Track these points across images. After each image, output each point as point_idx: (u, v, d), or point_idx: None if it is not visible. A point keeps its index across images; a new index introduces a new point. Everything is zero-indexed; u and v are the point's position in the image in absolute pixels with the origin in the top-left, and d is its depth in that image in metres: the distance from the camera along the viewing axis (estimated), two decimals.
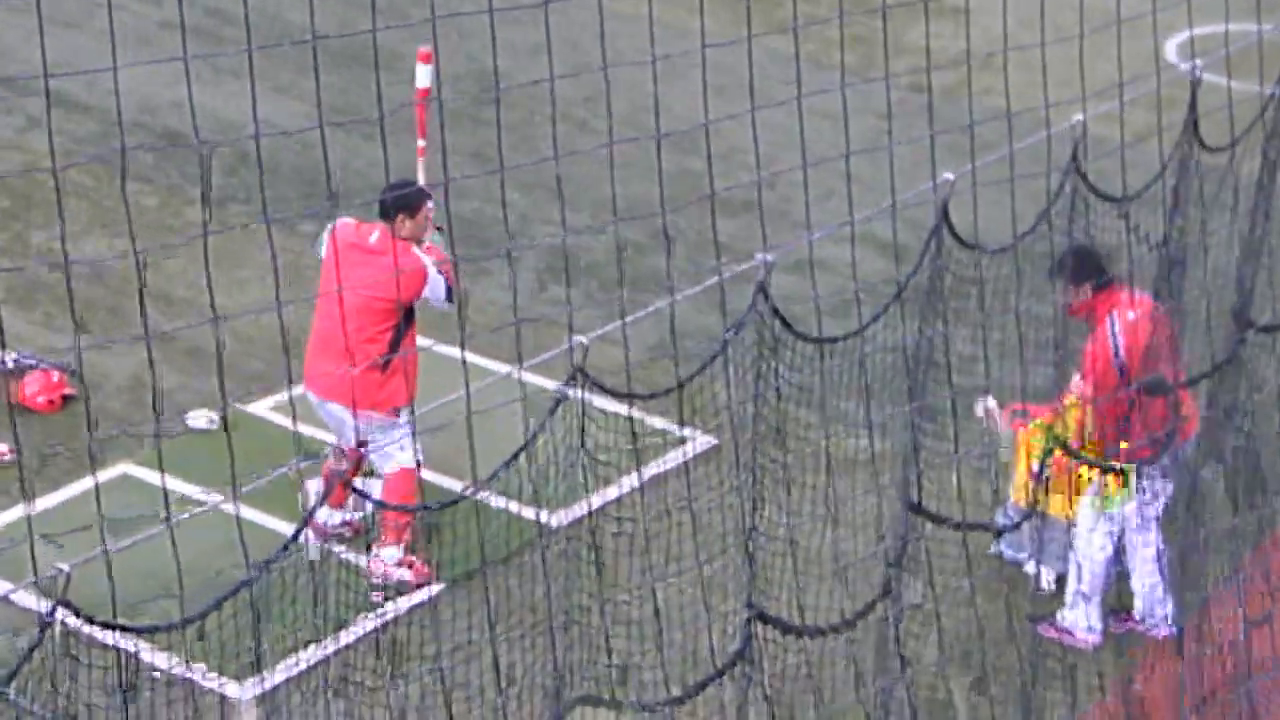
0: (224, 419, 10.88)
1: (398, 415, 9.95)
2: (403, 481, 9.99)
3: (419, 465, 9.94)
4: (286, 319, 12.17)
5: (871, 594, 7.83)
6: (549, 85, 14.21)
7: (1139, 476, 9.60)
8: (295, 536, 6.94)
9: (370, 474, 10.34)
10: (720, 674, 7.29)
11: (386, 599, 9.52)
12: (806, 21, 16.63)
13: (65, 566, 6.40)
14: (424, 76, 10.86)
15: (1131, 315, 9.70)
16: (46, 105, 7.79)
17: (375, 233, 10.09)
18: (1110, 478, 9.54)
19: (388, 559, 10.08)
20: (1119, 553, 10.12)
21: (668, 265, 9.89)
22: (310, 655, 7.99)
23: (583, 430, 7.51)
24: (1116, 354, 9.65)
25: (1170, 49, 15.60)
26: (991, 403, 9.77)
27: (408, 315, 10.08)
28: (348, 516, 10.45)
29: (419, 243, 10.25)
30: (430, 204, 10.28)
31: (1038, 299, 9.97)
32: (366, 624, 8.88)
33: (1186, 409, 9.64)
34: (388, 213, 10.13)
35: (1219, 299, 8.85)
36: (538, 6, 6.39)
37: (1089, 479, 9.71)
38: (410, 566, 10.08)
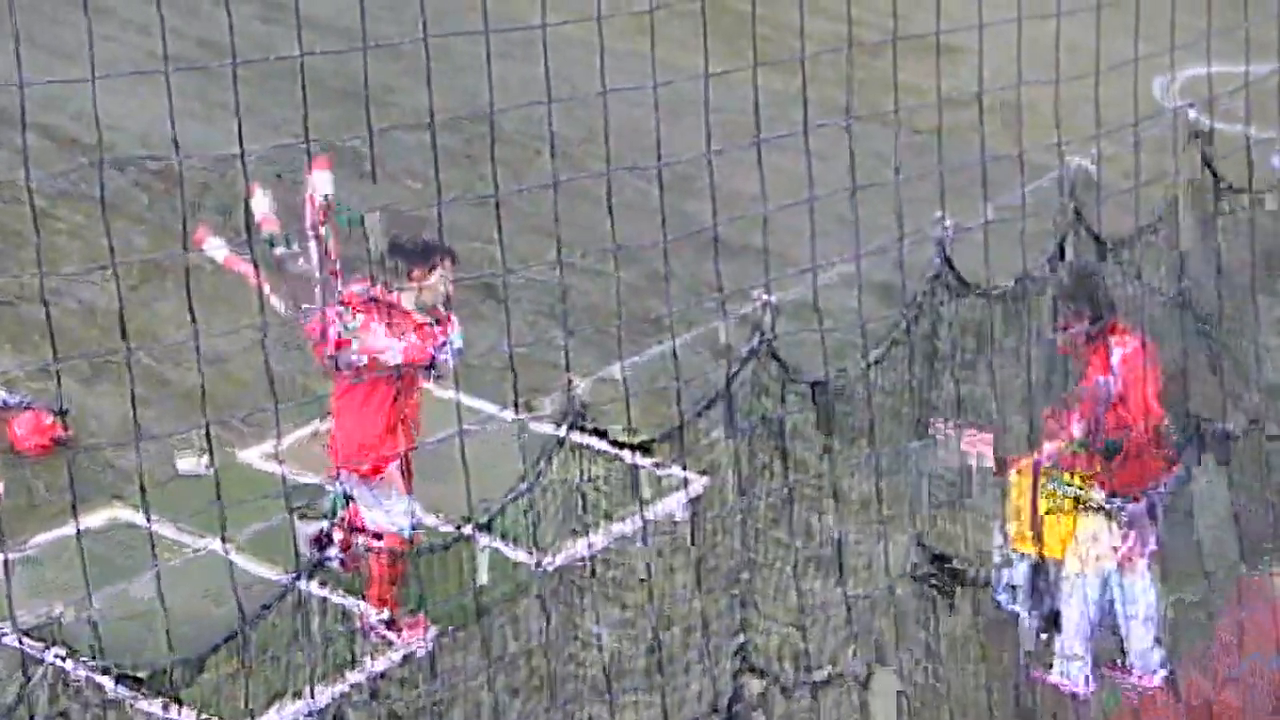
0: (210, 454, 10.84)
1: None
2: (391, 547, 9.93)
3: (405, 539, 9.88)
4: (275, 362, 12.15)
5: (869, 637, 7.80)
6: (541, 124, 14.16)
7: (1123, 520, 9.61)
8: (295, 582, 6.91)
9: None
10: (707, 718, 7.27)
11: (377, 651, 9.50)
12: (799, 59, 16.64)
13: (59, 610, 6.37)
14: (324, 183, 10.37)
15: (1127, 351, 9.71)
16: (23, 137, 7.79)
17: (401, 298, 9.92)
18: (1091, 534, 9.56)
19: (373, 621, 10.01)
20: (1110, 602, 10.11)
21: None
22: (304, 700, 7.95)
23: (581, 472, 7.49)
24: (1109, 389, 9.64)
25: (1158, 89, 15.60)
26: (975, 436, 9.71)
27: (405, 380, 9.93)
28: (343, 557, 10.42)
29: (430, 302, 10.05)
30: (448, 262, 10.04)
31: (1033, 342, 9.96)
32: (360, 668, 8.84)
33: (1169, 453, 9.66)
34: (396, 269, 9.98)
35: (1222, 345, 8.84)
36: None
37: (1075, 530, 9.70)
38: (398, 630, 9.98)
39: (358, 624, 9.92)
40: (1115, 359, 9.65)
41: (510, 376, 11.90)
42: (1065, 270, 9.41)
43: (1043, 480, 9.51)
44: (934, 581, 7.04)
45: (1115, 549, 9.74)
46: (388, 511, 9.87)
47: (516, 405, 7.36)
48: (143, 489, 10.25)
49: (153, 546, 7.62)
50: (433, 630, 9.82)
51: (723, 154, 13.13)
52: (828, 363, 8.09)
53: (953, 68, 14.95)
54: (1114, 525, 9.63)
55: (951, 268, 8.30)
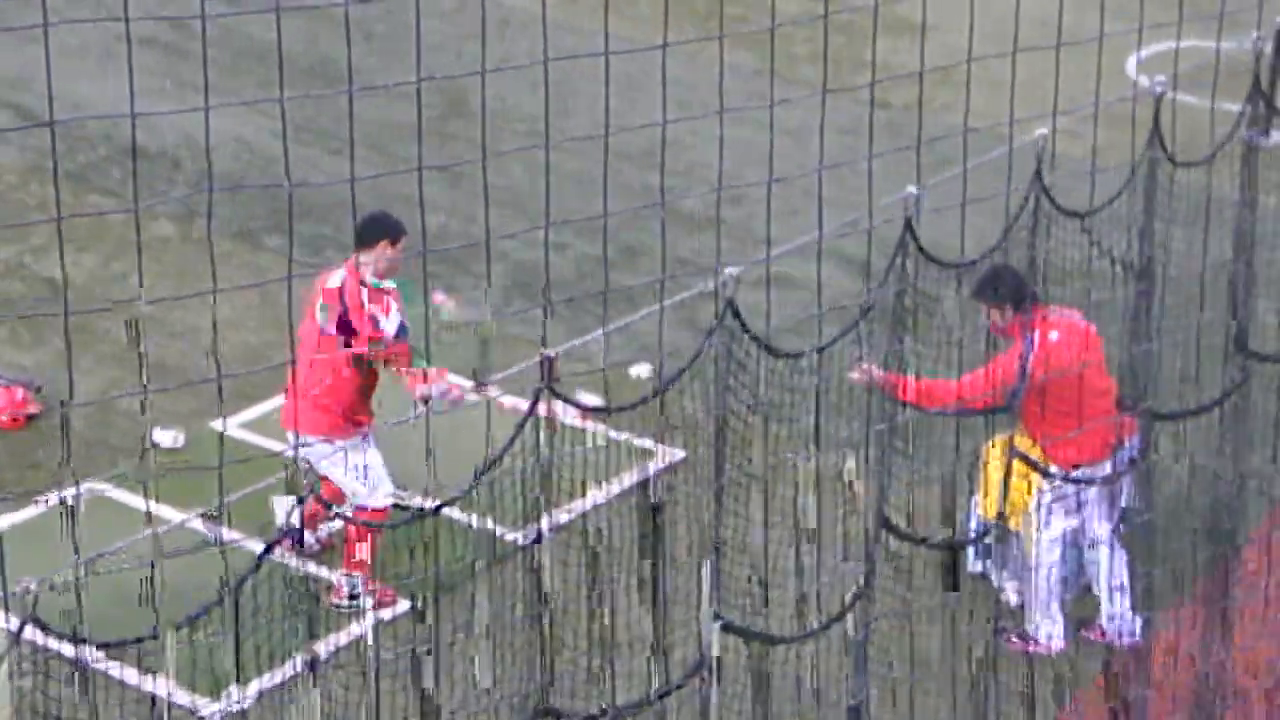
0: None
1: (362, 435, 10.00)
2: (367, 519, 10.02)
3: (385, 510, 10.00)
4: (250, 335, 12.20)
5: (839, 608, 7.87)
6: (513, 102, 14.25)
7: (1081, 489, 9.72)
8: (266, 553, 6.96)
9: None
10: (681, 684, 7.33)
11: (350, 616, 9.57)
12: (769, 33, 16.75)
13: (33, 585, 6.40)
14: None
15: (1055, 335, 9.78)
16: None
17: (339, 274, 10.06)
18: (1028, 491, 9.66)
19: (349, 587, 10.11)
20: (1083, 567, 10.23)
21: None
22: (280, 672, 8.01)
23: (553, 444, 7.54)
24: (1022, 377, 9.68)
25: (1131, 65, 15.71)
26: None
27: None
28: (321, 535, 10.50)
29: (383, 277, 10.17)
30: (404, 241, 10.17)
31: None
32: (336, 640, 8.91)
33: (1114, 420, 9.74)
34: (362, 244, 10.14)
35: (1185, 314, 8.91)
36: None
37: (1031, 489, 9.80)
38: (373, 592, 10.11)
39: (330, 594, 10.02)
40: (1032, 346, 9.71)
41: (478, 350, 11.94)
42: (982, 267, 9.46)
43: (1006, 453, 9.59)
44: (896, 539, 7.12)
45: (1067, 515, 9.87)
46: (366, 481, 9.99)
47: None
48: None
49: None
50: (404, 602, 9.90)
51: (689, 127, 13.13)
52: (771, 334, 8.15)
53: (916, 43, 15.00)
54: (1062, 492, 9.74)
55: (915, 239, 8.35)
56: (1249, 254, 8.97)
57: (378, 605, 10.02)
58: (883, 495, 7.61)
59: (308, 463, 10.02)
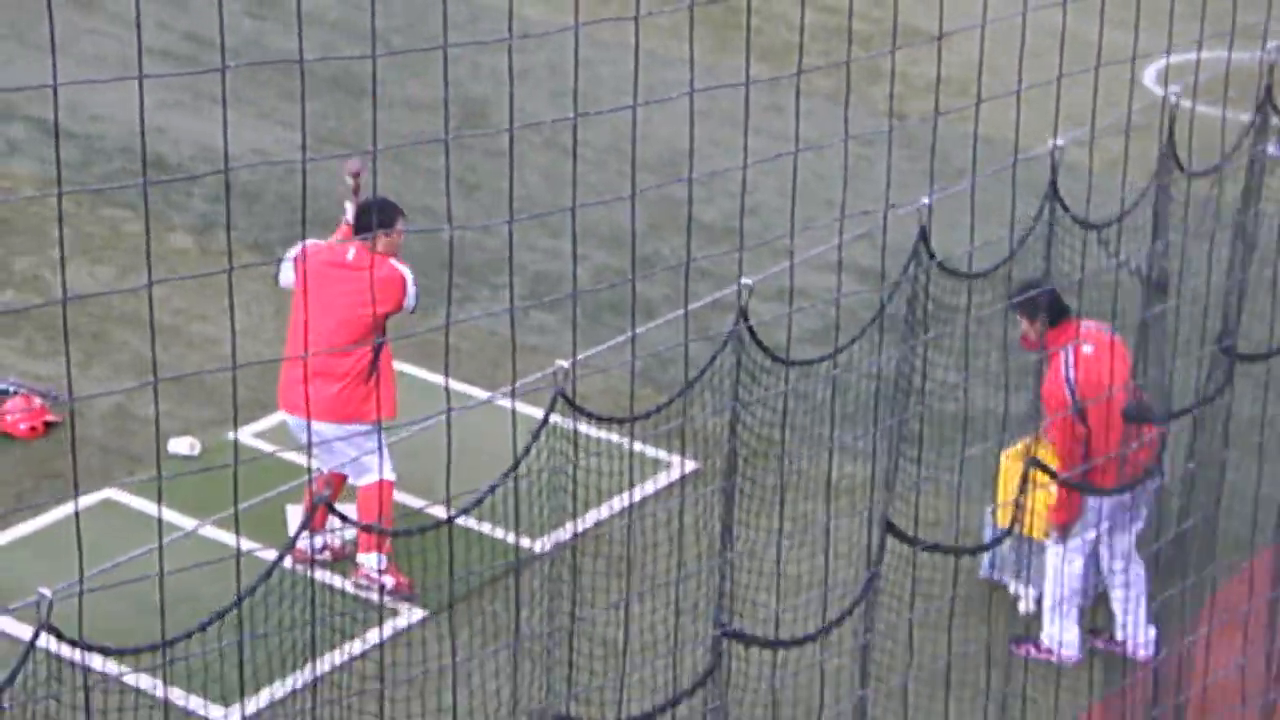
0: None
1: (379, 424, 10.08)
2: (377, 494, 10.09)
3: (392, 482, 10.09)
4: (264, 346, 12.23)
5: (850, 617, 7.86)
6: (531, 110, 14.24)
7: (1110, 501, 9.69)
8: (279, 561, 6.96)
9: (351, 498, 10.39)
10: (690, 691, 7.32)
11: (373, 601, 9.59)
12: (789, 49, 16.75)
13: (48, 592, 6.41)
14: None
15: (1088, 349, 9.76)
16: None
17: (351, 250, 10.20)
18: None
19: (369, 566, 10.18)
20: (1101, 578, 10.21)
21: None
22: (291, 680, 8.01)
23: (571, 452, 7.55)
24: (1071, 390, 9.71)
25: (1148, 75, 15.69)
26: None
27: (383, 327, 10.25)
28: (329, 540, 10.50)
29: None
30: (403, 221, 10.43)
31: (1014, 325, 10.06)
32: (348, 648, 8.91)
33: (1149, 437, 9.70)
34: (364, 229, 10.23)
35: (1199, 326, 8.89)
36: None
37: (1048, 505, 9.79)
38: (393, 573, 10.19)
39: (352, 574, 10.07)
40: (1070, 362, 9.71)
41: (494, 360, 11.97)
42: (1023, 280, 9.47)
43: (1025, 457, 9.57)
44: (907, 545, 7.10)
45: (1092, 526, 9.85)
46: (384, 458, 10.08)
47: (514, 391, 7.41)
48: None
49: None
50: (422, 611, 9.91)
51: (708, 138, 13.14)
52: (791, 343, 8.14)
53: (933, 54, 14.97)
54: (1087, 502, 9.72)
55: (928, 247, 8.33)
56: (1247, 260, 8.95)
57: (396, 590, 10.06)
58: (889, 501, 7.60)
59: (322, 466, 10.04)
